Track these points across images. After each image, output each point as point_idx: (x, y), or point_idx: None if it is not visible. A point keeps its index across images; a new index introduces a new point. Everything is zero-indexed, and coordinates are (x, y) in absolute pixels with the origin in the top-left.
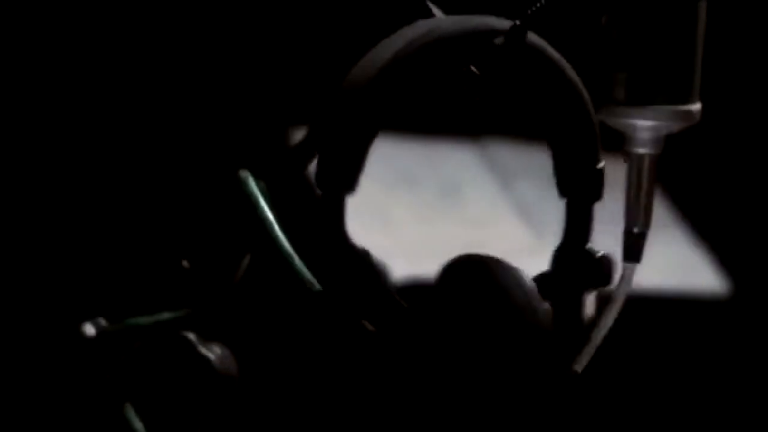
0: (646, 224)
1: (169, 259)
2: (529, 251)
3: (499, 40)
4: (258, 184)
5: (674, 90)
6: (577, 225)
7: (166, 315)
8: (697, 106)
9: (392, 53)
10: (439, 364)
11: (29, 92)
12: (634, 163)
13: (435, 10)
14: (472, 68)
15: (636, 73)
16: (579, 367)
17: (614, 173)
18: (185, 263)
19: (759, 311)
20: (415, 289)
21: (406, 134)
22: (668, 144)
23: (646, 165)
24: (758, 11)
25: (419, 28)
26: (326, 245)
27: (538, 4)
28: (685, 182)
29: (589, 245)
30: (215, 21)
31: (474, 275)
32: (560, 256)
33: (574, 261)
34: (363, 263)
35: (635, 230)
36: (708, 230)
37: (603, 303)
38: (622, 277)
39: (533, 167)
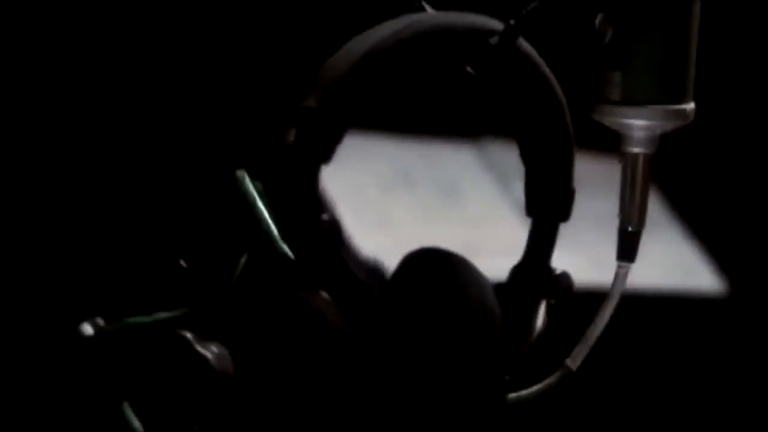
0: (641, 223)
1: (166, 258)
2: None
3: (494, 40)
4: (255, 184)
5: (668, 89)
6: (540, 244)
7: (163, 314)
8: (691, 106)
9: (372, 42)
10: (389, 356)
11: (29, 92)
12: (628, 163)
13: (429, 10)
14: (468, 69)
15: (630, 72)
16: (574, 365)
17: (609, 172)
18: (182, 263)
19: (754, 309)
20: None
21: (405, 135)
22: (663, 143)
23: (641, 164)
24: (752, 11)
25: (401, 21)
26: (297, 213)
27: (533, 4)
28: (680, 181)
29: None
30: (213, 21)
31: (431, 268)
32: (519, 272)
33: (533, 276)
34: (331, 236)
35: (630, 229)
36: (703, 229)
37: (598, 302)
38: (617, 276)
39: None
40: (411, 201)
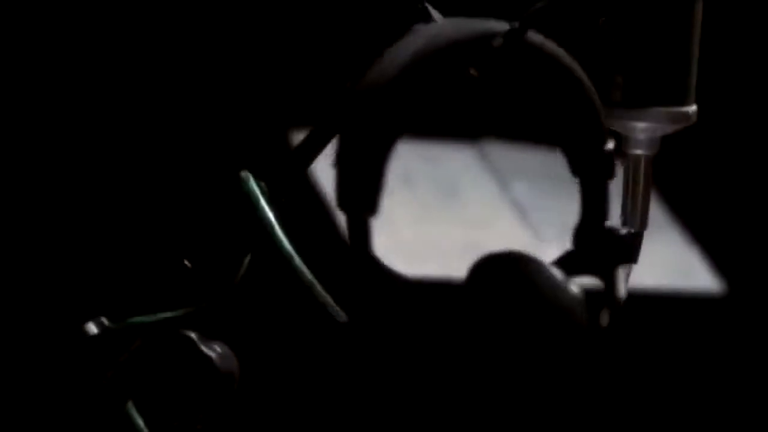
0: (643, 225)
1: (170, 258)
2: (527, 251)
3: (497, 42)
4: (259, 185)
5: (670, 92)
6: (594, 203)
7: (167, 314)
8: (692, 108)
9: (398, 68)
10: (479, 370)
11: (30, 93)
12: (630, 164)
13: (434, 13)
14: (471, 71)
15: (632, 75)
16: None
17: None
18: (186, 263)
19: (752, 309)
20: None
21: (405, 135)
22: (664, 146)
23: (642, 166)
24: (754, 13)
25: (421, 36)
26: (357, 271)
27: (536, 6)
28: (681, 184)
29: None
30: (217, 23)
31: (501, 274)
32: (581, 233)
33: (597, 238)
34: (396, 287)
35: (632, 231)
36: (703, 231)
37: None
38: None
39: (531, 168)
40: (411, 201)
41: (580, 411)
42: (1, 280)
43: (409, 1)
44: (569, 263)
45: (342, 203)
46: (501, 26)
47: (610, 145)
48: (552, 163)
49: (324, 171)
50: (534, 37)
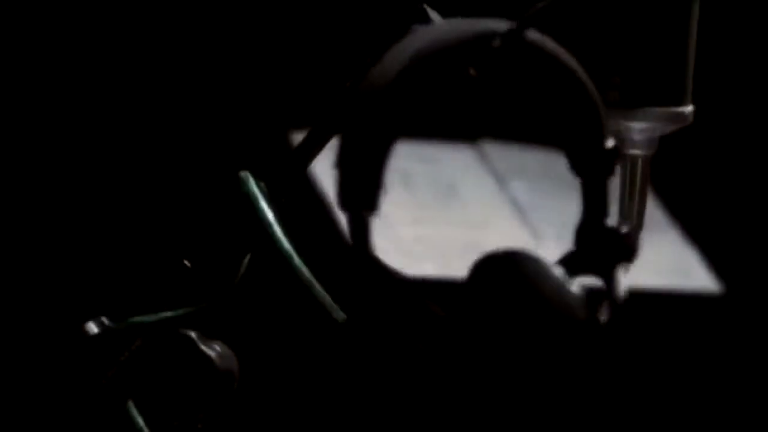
0: (639, 225)
1: (170, 258)
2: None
3: (496, 42)
4: (258, 185)
5: (667, 92)
6: (595, 201)
7: (167, 314)
8: (689, 108)
9: (398, 69)
10: (479, 369)
11: (30, 93)
12: (627, 164)
13: (432, 14)
14: (471, 71)
15: (629, 75)
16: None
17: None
18: (186, 263)
19: (751, 309)
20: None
21: (403, 135)
22: (661, 146)
23: (640, 166)
24: (751, 14)
25: (420, 37)
26: (356, 270)
27: (536, 6)
28: (678, 184)
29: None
30: (217, 23)
31: (503, 273)
32: (582, 232)
33: (598, 237)
34: (396, 286)
35: (629, 230)
36: (700, 231)
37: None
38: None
39: (530, 168)
40: (409, 201)
41: (581, 410)
42: (1, 280)
43: (409, 2)
44: (571, 263)
45: (342, 202)
46: (500, 26)
47: (611, 142)
48: (551, 163)
49: (324, 171)
50: (533, 35)
